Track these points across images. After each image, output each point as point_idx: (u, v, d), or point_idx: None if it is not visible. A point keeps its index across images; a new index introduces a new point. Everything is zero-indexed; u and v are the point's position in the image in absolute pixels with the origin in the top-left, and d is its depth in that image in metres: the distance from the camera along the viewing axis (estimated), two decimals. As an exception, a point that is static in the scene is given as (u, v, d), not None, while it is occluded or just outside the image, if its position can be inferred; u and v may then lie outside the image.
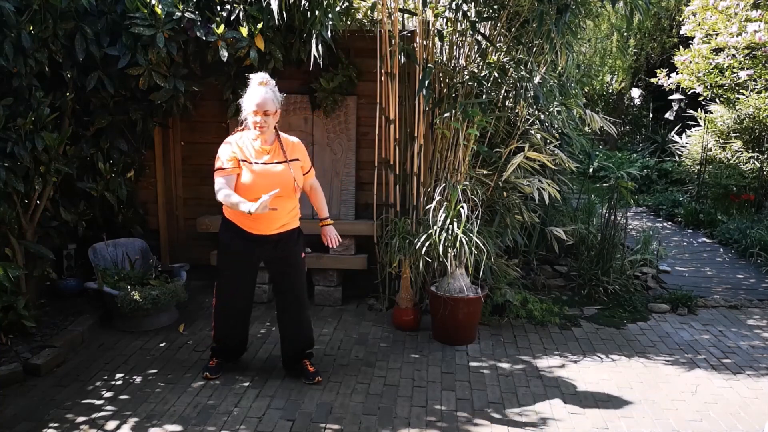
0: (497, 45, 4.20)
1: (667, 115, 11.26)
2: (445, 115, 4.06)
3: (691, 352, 3.87)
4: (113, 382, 3.31)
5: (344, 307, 4.55)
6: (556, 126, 4.59)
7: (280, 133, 3.12)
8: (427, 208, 4.07)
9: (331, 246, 3.35)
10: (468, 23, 4.01)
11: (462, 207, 3.76)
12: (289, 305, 3.34)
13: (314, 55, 3.72)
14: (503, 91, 4.28)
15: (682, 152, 9.13)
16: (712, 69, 8.16)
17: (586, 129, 4.85)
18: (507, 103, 4.41)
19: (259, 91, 2.94)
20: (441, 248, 3.69)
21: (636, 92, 14.07)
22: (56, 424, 2.87)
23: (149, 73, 3.71)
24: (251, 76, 3.01)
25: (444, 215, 3.80)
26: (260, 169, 3.02)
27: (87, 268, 4.28)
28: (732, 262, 5.95)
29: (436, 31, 4.18)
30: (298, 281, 3.31)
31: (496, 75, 4.12)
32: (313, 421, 2.94)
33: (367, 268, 4.53)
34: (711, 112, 8.21)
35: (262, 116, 2.93)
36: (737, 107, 7.77)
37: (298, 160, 3.13)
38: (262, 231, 3.10)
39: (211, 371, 3.38)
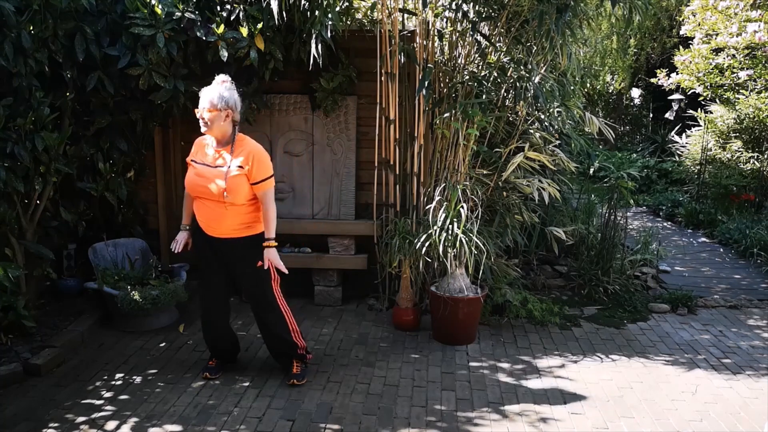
0: (497, 45, 4.20)
1: (667, 115, 11.26)
2: (445, 115, 4.06)
3: (691, 352, 3.87)
4: (113, 382, 3.31)
5: (344, 307, 4.54)
6: (556, 126, 4.59)
7: (239, 136, 3.06)
8: (427, 208, 4.08)
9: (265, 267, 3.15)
10: (468, 23, 4.02)
11: (462, 207, 3.77)
12: (254, 309, 3.38)
13: (314, 55, 3.72)
14: (503, 91, 4.28)
15: (682, 152, 9.13)
16: (712, 69, 8.17)
17: (586, 129, 4.86)
18: (507, 103, 4.41)
19: (207, 89, 2.98)
20: (441, 248, 3.69)
21: (636, 92, 14.07)
22: (56, 424, 2.87)
23: (149, 73, 3.71)
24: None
25: (444, 215, 3.80)
26: (198, 170, 3.07)
27: (87, 268, 4.28)
28: (732, 262, 5.95)
29: (436, 31, 4.18)
30: (256, 289, 3.23)
31: (496, 75, 4.12)
32: (313, 421, 2.94)
33: (367, 268, 4.53)
34: (711, 112, 8.21)
35: (204, 113, 2.96)
36: (737, 107, 7.77)
37: (241, 167, 2.99)
38: (210, 232, 3.13)
39: (211, 371, 3.39)
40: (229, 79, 3.05)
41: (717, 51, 8.07)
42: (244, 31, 3.69)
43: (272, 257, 3.12)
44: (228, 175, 2.97)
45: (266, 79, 4.12)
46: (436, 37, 4.22)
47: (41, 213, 3.84)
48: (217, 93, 2.95)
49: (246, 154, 3.01)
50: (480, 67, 4.26)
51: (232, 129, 3.04)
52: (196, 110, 3.01)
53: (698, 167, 8.35)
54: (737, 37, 7.59)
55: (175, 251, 3.29)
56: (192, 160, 3.12)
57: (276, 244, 3.14)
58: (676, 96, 10.58)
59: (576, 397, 3.23)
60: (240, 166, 2.99)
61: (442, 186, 4.02)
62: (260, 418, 2.96)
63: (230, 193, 2.98)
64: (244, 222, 3.10)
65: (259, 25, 3.70)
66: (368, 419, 2.97)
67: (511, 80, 4.13)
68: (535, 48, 4.04)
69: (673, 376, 3.52)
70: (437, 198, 3.96)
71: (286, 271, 3.17)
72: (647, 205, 8.79)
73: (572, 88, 4.44)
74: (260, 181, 3.04)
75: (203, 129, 3.01)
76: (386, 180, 4.44)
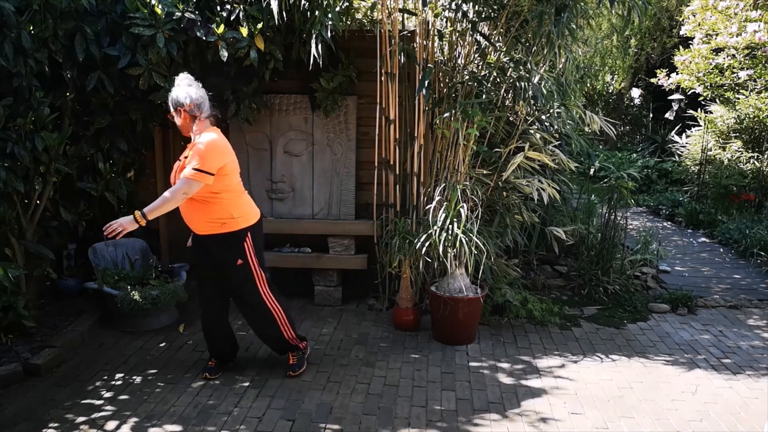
0: (497, 45, 4.20)
1: (667, 115, 11.26)
2: (445, 115, 4.06)
3: (691, 352, 3.87)
4: (113, 382, 3.31)
5: (344, 307, 4.54)
6: (556, 126, 4.59)
7: (198, 132, 3.05)
8: (427, 208, 4.08)
9: (105, 230, 2.96)
10: (468, 23, 4.02)
11: (462, 207, 3.77)
12: (241, 311, 3.41)
13: (314, 55, 3.72)
14: (503, 91, 4.28)
15: (682, 152, 9.13)
16: (712, 69, 8.17)
17: (586, 129, 4.86)
18: (506, 103, 4.41)
19: (172, 90, 3.07)
20: (441, 248, 3.69)
21: (636, 92, 14.07)
22: (56, 424, 2.87)
23: (149, 73, 3.71)
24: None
25: (444, 215, 3.80)
26: (174, 167, 3.16)
27: (87, 268, 4.28)
28: (732, 262, 5.95)
29: (435, 31, 4.18)
30: (236, 287, 3.25)
31: (496, 75, 4.12)
32: (313, 421, 2.94)
33: (367, 268, 4.53)
34: (711, 112, 8.21)
35: (173, 111, 3.06)
36: (737, 107, 7.77)
37: (185, 158, 3.04)
38: (194, 231, 3.20)
39: (211, 371, 3.39)
40: (186, 75, 3.09)
41: (717, 51, 8.08)
42: (244, 31, 3.69)
43: (123, 223, 2.93)
44: (180, 170, 3.02)
45: (266, 79, 4.13)
46: (436, 37, 4.22)
47: (41, 213, 3.84)
48: (171, 95, 3.06)
49: (193, 144, 3.03)
50: (480, 67, 4.26)
51: (193, 125, 3.06)
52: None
53: (698, 167, 8.35)
54: (737, 37, 7.59)
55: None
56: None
57: (139, 219, 2.93)
58: (676, 96, 10.58)
59: (576, 397, 3.23)
60: (185, 157, 3.04)
61: (442, 186, 4.02)
62: (260, 418, 2.96)
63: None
64: (216, 218, 3.07)
65: (259, 25, 3.70)
66: (368, 419, 2.97)
67: (511, 80, 4.13)
68: (535, 48, 4.04)
69: (673, 376, 3.52)
70: (437, 198, 3.96)
71: (116, 232, 2.95)
72: (647, 205, 8.79)
73: (572, 88, 4.44)
74: (189, 166, 2.94)
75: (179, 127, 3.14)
76: (386, 180, 4.44)
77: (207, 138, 2.99)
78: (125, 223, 2.93)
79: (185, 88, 3.05)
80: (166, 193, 2.96)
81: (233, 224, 3.10)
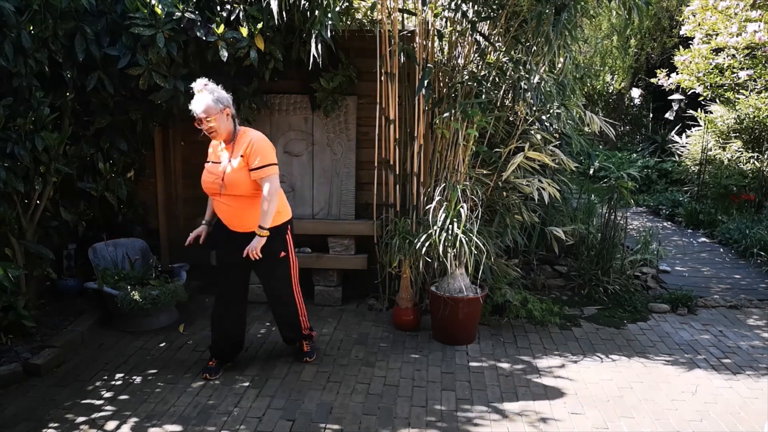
0: (496, 45, 4.20)
1: (667, 115, 11.26)
2: (445, 115, 4.06)
3: (691, 352, 3.87)
4: (113, 382, 3.31)
5: (344, 307, 4.54)
6: (556, 126, 4.59)
7: (241, 129, 3.14)
8: (427, 208, 4.07)
9: (244, 256, 3.08)
10: (467, 23, 4.02)
11: (462, 207, 3.77)
12: (271, 300, 3.52)
13: (313, 55, 3.72)
14: (502, 91, 4.28)
15: (682, 152, 9.13)
16: (712, 69, 8.17)
17: (586, 129, 4.85)
18: (506, 103, 4.41)
19: (198, 100, 3.01)
20: (441, 248, 3.69)
21: (636, 92, 14.07)
22: (56, 424, 2.87)
23: (149, 73, 3.71)
24: (192, 85, 3.08)
25: (444, 215, 3.80)
26: (208, 168, 3.19)
27: (87, 268, 4.28)
28: (732, 262, 5.95)
29: (435, 31, 4.18)
30: (274, 280, 3.37)
31: (495, 75, 4.12)
32: (313, 421, 2.94)
33: (367, 268, 4.53)
34: (711, 112, 8.21)
35: (205, 122, 3.00)
36: (737, 107, 7.77)
37: (242, 157, 3.05)
38: (234, 229, 3.20)
39: (210, 372, 3.39)
40: (206, 81, 3.07)
41: (717, 51, 8.08)
42: (244, 31, 3.69)
43: (257, 246, 3.04)
44: (227, 169, 3.05)
45: (266, 79, 4.13)
46: (435, 37, 4.22)
47: (41, 213, 3.84)
48: (210, 98, 3.00)
49: (242, 144, 3.08)
50: (479, 67, 4.26)
51: (233, 124, 3.11)
52: (196, 124, 3.04)
53: (698, 167, 8.35)
54: (737, 37, 7.59)
55: (186, 244, 3.34)
56: (206, 161, 3.23)
57: (267, 234, 3.07)
58: (676, 96, 10.58)
59: (576, 397, 3.23)
60: (241, 156, 3.05)
61: (442, 186, 4.02)
62: (260, 418, 2.96)
63: (232, 185, 3.05)
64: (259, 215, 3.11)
65: (259, 25, 3.70)
66: (368, 419, 2.97)
67: (511, 80, 4.13)
68: (535, 48, 4.04)
69: (673, 376, 3.52)
70: (437, 198, 3.96)
71: (258, 257, 3.08)
72: (647, 205, 8.79)
73: (572, 87, 4.43)
74: (258, 167, 3.03)
75: (211, 137, 3.09)
76: (386, 180, 4.44)
77: (257, 134, 3.12)
78: (258, 244, 3.06)
79: (220, 90, 3.06)
80: (265, 200, 3.02)
81: (278, 218, 3.17)
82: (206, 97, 2.99)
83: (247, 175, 3.04)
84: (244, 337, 3.54)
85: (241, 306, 3.43)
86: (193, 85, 3.06)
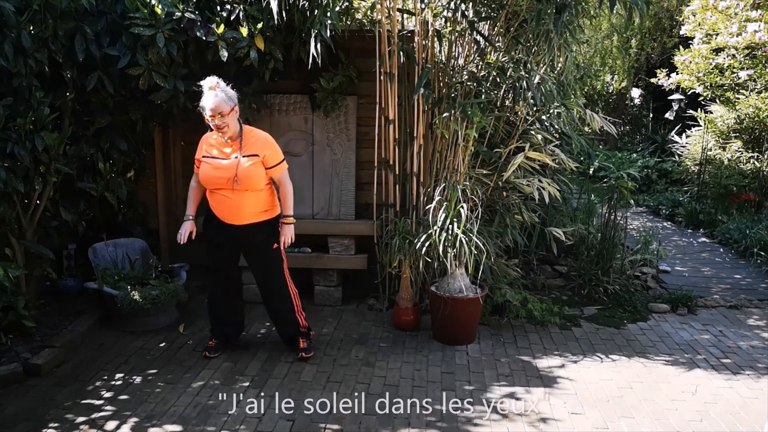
0: (496, 45, 4.20)
1: (667, 115, 11.26)
2: (445, 115, 4.06)
3: (691, 352, 3.87)
4: (113, 382, 3.31)
5: (344, 307, 4.54)
6: (556, 126, 4.59)
7: (246, 128, 3.32)
8: (427, 208, 4.07)
9: (283, 246, 3.43)
10: (467, 23, 4.01)
11: (462, 207, 3.77)
12: (264, 295, 3.62)
13: (313, 55, 3.72)
14: (502, 91, 4.28)
15: (682, 152, 9.13)
16: (712, 69, 8.16)
17: (586, 129, 4.85)
18: (506, 103, 4.41)
19: (209, 96, 3.12)
20: (441, 248, 3.69)
21: (636, 92, 14.07)
22: (56, 424, 2.87)
23: (149, 73, 3.71)
24: (201, 82, 3.18)
25: (444, 215, 3.80)
26: (213, 164, 3.27)
27: (87, 268, 4.28)
28: (732, 262, 5.95)
29: (435, 30, 4.18)
30: (267, 272, 3.51)
31: (495, 75, 4.12)
32: (313, 421, 2.94)
33: (367, 268, 4.52)
34: (711, 112, 8.21)
35: (218, 119, 3.13)
36: (737, 107, 7.77)
37: (256, 155, 3.24)
38: (228, 221, 3.33)
39: (210, 350, 3.59)
40: (217, 79, 3.19)
41: (717, 51, 8.07)
42: (244, 31, 3.69)
43: (291, 232, 3.40)
44: (241, 166, 3.19)
45: (266, 79, 4.12)
46: (435, 37, 4.22)
47: (41, 213, 3.84)
48: (223, 96, 3.12)
49: (260, 143, 3.28)
50: (479, 67, 4.26)
51: (239, 122, 3.27)
52: (207, 120, 3.16)
53: (698, 167, 8.34)
54: (737, 37, 7.58)
55: (181, 242, 3.42)
56: (203, 156, 3.32)
57: (294, 221, 3.43)
58: (676, 96, 10.58)
59: (576, 397, 3.23)
60: (254, 155, 3.23)
61: (442, 186, 4.02)
62: (260, 418, 2.96)
63: (246, 180, 3.20)
64: (263, 207, 3.35)
65: (259, 25, 3.70)
66: (368, 419, 2.97)
67: (511, 80, 4.12)
68: (535, 48, 4.04)
69: (673, 376, 3.52)
70: (437, 198, 3.96)
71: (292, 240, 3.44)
72: (647, 205, 8.78)
73: (572, 87, 4.43)
74: (275, 165, 3.32)
75: (220, 133, 3.19)
76: (386, 180, 4.44)
77: (264, 133, 3.36)
78: (291, 232, 3.42)
79: (229, 89, 3.19)
80: (288, 191, 3.39)
81: (273, 212, 3.41)
82: (219, 94, 3.12)
83: (261, 171, 3.25)
84: (243, 319, 3.77)
85: (237, 293, 3.72)
86: (204, 82, 3.16)
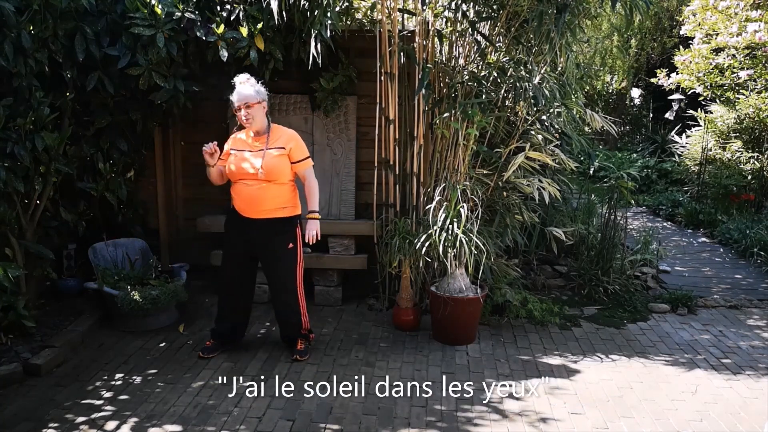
0: (497, 45, 4.20)
1: (667, 115, 11.26)
2: (445, 115, 4.06)
3: (691, 352, 3.87)
4: (113, 382, 3.31)
5: (344, 307, 4.54)
6: (556, 126, 4.59)
7: (274, 125, 3.44)
8: (427, 208, 4.07)
9: (308, 241, 3.45)
10: (467, 23, 4.01)
11: (462, 207, 3.76)
12: (273, 292, 3.66)
13: (313, 55, 3.72)
14: (503, 91, 4.28)
15: (682, 152, 9.13)
16: (712, 69, 8.16)
17: (587, 129, 4.85)
18: (507, 103, 4.41)
19: (239, 89, 3.29)
20: (441, 248, 3.69)
21: (636, 92, 14.06)
22: (56, 424, 2.87)
23: (149, 73, 3.71)
24: (235, 79, 3.32)
25: (444, 215, 3.80)
26: (240, 156, 3.38)
27: (87, 268, 4.28)
28: (732, 262, 5.95)
29: (435, 31, 4.18)
30: (280, 270, 3.52)
31: (496, 75, 4.12)
32: (313, 421, 2.94)
33: (367, 268, 4.52)
34: (711, 112, 8.21)
35: (244, 109, 3.26)
36: (737, 107, 7.77)
37: (282, 148, 3.36)
38: (248, 213, 3.40)
39: (204, 351, 3.61)
40: (248, 75, 3.34)
41: (717, 51, 8.07)
42: (244, 31, 3.69)
43: (317, 227, 3.45)
44: (267, 157, 3.31)
45: (266, 79, 4.10)
46: (435, 37, 4.22)
47: (41, 213, 3.84)
48: (252, 89, 3.28)
49: (286, 137, 3.41)
50: (480, 67, 4.26)
51: (267, 118, 3.40)
52: (235, 111, 3.29)
53: (698, 167, 8.35)
54: (737, 37, 7.58)
55: (209, 149, 3.42)
56: (232, 149, 3.44)
57: (320, 217, 3.49)
58: (676, 96, 10.57)
59: (576, 397, 3.23)
60: (281, 147, 3.36)
61: (442, 186, 4.02)
62: (260, 418, 2.96)
63: (272, 172, 3.30)
64: (284, 203, 3.40)
65: (259, 25, 3.70)
66: (368, 419, 2.97)
67: (511, 80, 4.12)
68: (535, 48, 4.04)
69: (673, 376, 3.52)
70: (437, 198, 3.96)
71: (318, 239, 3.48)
72: (647, 205, 8.78)
73: (573, 87, 4.43)
74: (301, 160, 3.43)
75: (246, 124, 3.32)
76: (386, 180, 4.44)
77: (291, 130, 3.48)
78: (316, 227, 3.46)
79: (256, 84, 3.32)
80: (313, 187, 3.47)
81: (292, 210, 3.47)
82: (248, 88, 3.27)
83: (287, 164, 3.37)
84: (247, 323, 3.76)
85: (248, 295, 3.68)
86: (235, 78, 3.31)
